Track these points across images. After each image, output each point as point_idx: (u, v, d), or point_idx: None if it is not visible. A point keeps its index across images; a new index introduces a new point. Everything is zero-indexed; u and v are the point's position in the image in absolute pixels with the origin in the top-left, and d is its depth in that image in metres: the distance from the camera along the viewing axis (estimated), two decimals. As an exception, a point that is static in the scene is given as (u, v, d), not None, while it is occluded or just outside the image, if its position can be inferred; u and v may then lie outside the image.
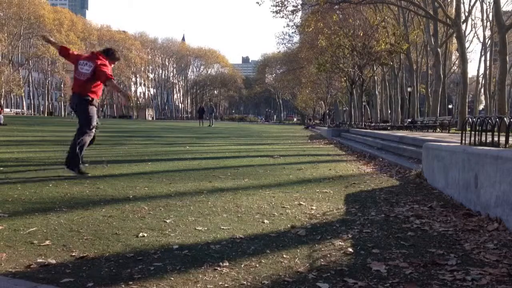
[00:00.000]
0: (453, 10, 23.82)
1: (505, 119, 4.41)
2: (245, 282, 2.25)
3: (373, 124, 26.34)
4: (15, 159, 7.79)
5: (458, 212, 3.88)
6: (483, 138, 4.69)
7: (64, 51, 6.24)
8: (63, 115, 73.15)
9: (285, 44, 78.27)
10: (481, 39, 40.45)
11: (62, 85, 75.15)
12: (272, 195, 4.79)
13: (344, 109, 52.50)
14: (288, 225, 3.45)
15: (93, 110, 6.04)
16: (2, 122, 22.44)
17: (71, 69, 71.29)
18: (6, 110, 56.60)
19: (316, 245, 2.92)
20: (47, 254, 2.63)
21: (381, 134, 13.11)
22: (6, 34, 60.41)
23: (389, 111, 38.06)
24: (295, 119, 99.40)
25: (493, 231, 3.22)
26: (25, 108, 70.11)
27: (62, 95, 74.82)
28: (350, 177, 6.41)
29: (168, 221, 3.50)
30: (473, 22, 42.22)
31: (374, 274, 2.38)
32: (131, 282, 2.22)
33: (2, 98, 59.91)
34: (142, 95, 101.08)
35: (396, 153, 9.26)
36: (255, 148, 12.81)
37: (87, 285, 2.17)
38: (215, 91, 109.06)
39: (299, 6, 28.60)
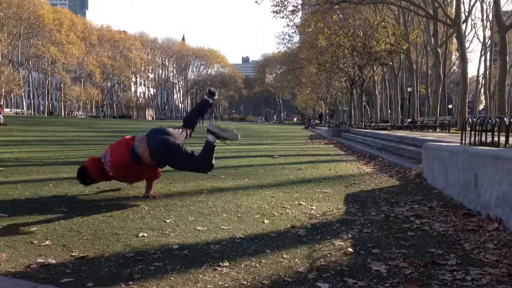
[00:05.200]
0: (453, 10, 23.79)
1: (505, 119, 4.41)
2: (245, 282, 2.25)
3: (373, 124, 26.33)
4: (15, 159, 7.79)
5: (458, 212, 3.88)
6: (483, 138, 4.69)
7: None
8: (63, 115, 73.10)
9: (285, 44, 78.28)
10: (481, 39, 40.38)
11: (62, 85, 75.04)
12: (272, 195, 4.79)
13: (344, 109, 52.47)
14: (288, 225, 3.45)
15: None
16: (2, 122, 22.44)
17: (71, 69, 70.72)
18: (6, 110, 56.66)
19: (316, 245, 2.92)
20: (47, 254, 2.63)
21: (381, 134, 13.11)
22: (6, 34, 60.36)
23: (389, 111, 38.05)
24: (295, 119, 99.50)
25: (493, 231, 3.22)
26: (25, 108, 70.05)
27: (62, 95, 74.68)
28: (350, 177, 6.41)
29: (168, 221, 3.50)
30: (473, 22, 42.09)
31: (374, 274, 2.38)
32: (131, 282, 2.22)
33: (2, 98, 59.88)
34: (142, 95, 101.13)
35: (396, 153, 9.26)
36: (255, 148, 12.81)
37: (87, 285, 2.17)
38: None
39: (299, 6, 28.57)
